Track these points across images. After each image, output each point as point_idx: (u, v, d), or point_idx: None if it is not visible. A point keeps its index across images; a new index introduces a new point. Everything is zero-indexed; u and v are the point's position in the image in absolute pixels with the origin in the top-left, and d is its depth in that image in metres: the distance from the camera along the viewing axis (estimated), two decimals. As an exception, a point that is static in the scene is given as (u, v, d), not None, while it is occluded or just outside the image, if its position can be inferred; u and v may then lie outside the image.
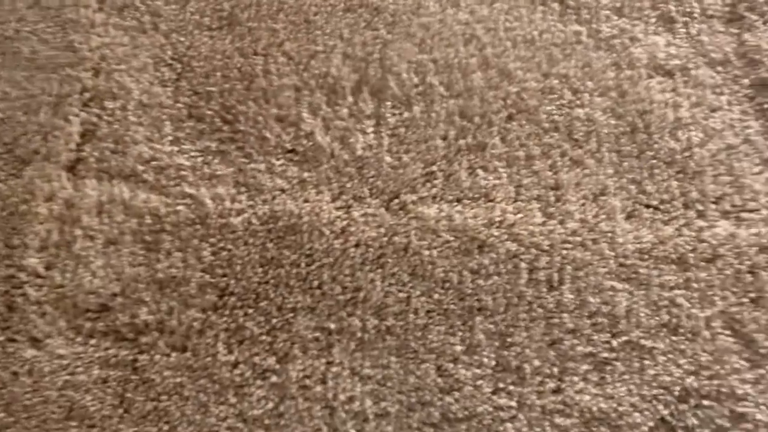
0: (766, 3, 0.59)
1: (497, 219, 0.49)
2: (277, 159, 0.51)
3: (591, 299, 0.47)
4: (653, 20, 0.58)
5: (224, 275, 0.47)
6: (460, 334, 0.46)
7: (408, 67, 0.54)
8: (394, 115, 0.53)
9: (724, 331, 0.46)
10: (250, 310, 0.46)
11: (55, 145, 0.51)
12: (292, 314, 0.46)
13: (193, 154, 0.51)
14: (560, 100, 0.54)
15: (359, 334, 0.46)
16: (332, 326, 0.46)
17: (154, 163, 0.50)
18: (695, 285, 0.47)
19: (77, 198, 0.49)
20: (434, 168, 0.51)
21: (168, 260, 0.47)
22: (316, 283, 0.47)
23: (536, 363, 0.45)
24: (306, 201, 0.50)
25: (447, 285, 0.47)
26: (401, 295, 0.47)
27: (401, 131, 0.52)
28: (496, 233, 0.49)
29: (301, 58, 0.54)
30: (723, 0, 0.59)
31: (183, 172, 0.50)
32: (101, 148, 0.50)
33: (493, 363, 0.45)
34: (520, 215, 0.50)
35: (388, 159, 0.51)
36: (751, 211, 0.49)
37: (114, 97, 0.52)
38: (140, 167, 0.50)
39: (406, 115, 0.53)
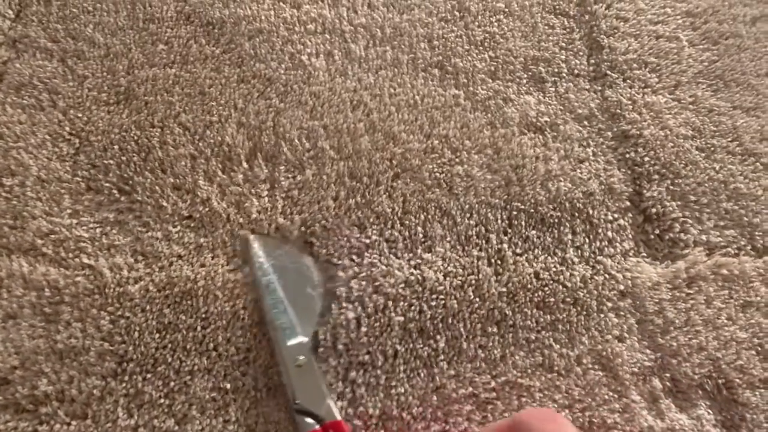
0: (626, 62, 0.65)
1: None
2: (174, 226, 0.53)
3: (464, 345, 0.50)
4: (525, 81, 0.63)
5: (123, 342, 0.49)
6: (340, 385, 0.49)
7: (300, 133, 0.58)
8: (287, 178, 0.56)
9: (593, 366, 0.51)
10: (149, 375, 0.48)
11: (-47, 223, 0.52)
12: (189, 377, 0.48)
13: (91, 225, 0.53)
14: (441, 159, 0.58)
15: (252, 393, 0.48)
16: (228, 386, 0.48)
17: (53, 236, 0.52)
18: (561, 327, 0.51)
19: (-25, 274, 0.51)
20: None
21: (67, 331, 0.49)
22: (211, 345, 0.49)
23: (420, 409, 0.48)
24: (202, 266, 0.52)
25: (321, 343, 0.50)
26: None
27: (295, 194, 0.56)
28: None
29: (197, 129, 0.57)
30: (587, 60, 0.65)
31: (82, 244, 0.52)
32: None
33: (378, 412, 0.48)
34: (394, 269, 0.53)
35: (281, 220, 0.54)
36: (610, 256, 0.55)
37: (12, 174, 0.54)
38: (39, 241, 0.52)
39: (299, 178, 0.56)
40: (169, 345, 0.49)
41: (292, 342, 0.48)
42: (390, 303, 0.51)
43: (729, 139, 0.61)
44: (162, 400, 0.48)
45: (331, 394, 0.47)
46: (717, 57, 0.66)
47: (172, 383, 0.48)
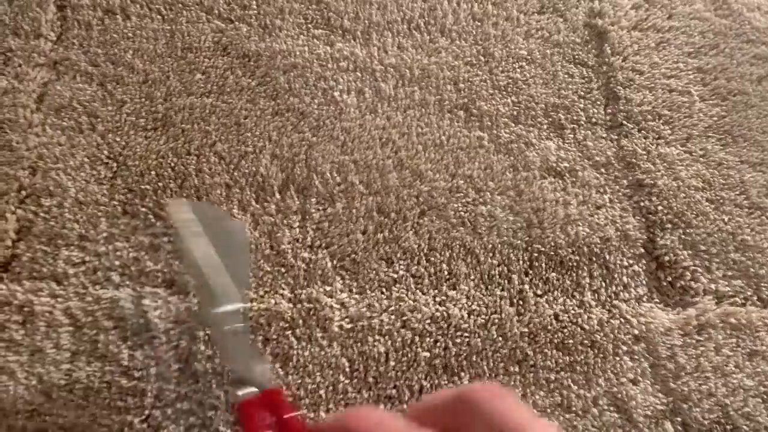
0: (641, 113, 0.68)
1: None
2: (207, 253, 0.55)
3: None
4: (545, 127, 0.66)
5: (141, 378, 0.49)
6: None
7: (331, 167, 0.60)
8: (318, 210, 0.58)
9: (609, 408, 0.53)
10: (169, 411, 0.49)
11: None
12: (212, 411, 0.49)
13: (125, 251, 0.54)
14: (466, 198, 0.60)
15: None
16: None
17: (83, 267, 0.53)
18: (579, 368, 0.53)
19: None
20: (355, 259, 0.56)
21: (90, 367, 0.49)
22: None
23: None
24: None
25: (355, 374, 0.51)
26: (311, 387, 0.51)
27: (325, 226, 0.57)
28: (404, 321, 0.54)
29: (232, 158, 0.59)
30: (605, 109, 0.68)
31: (110, 273, 0.53)
32: (35, 246, 0.53)
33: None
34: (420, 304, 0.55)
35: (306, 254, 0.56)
36: (625, 301, 0.57)
37: (51, 195, 0.55)
38: (71, 270, 0.53)
39: (329, 210, 0.58)
40: (190, 379, 0.50)
41: (226, 308, 0.42)
42: (417, 338, 0.53)
43: (737, 192, 0.64)
44: None
45: (267, 362, 0.46)
46: (726, 113, 0.69)
47: (192, 418, 0.49)
